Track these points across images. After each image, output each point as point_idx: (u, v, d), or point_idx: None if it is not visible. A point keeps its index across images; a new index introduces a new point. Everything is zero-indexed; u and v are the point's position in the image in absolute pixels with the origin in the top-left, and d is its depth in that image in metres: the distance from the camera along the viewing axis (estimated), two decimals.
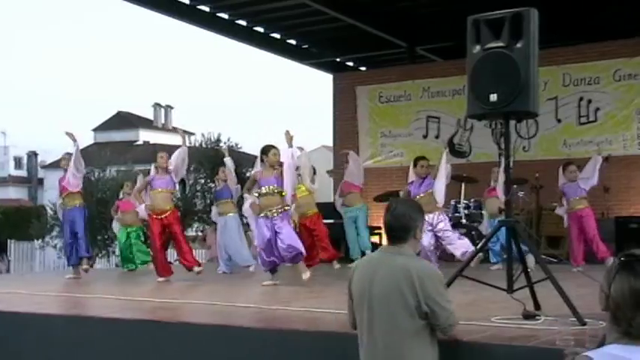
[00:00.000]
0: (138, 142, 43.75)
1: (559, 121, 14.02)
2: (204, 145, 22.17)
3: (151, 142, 41.31)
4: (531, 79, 5.44)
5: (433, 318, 3.80)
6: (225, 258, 11.29)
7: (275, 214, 8.76)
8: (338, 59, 18.67)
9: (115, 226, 12.78)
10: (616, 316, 2.45)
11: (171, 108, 50.64)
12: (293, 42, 17.68)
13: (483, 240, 8.10)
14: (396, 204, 4.01)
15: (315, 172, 10.85)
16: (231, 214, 11.25)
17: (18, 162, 49.87)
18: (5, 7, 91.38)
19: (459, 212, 12.63)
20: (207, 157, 20.60)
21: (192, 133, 25.47)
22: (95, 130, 47.85)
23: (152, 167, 10.10)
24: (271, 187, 8.81)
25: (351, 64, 19.10)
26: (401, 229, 3.88)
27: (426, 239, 9.20)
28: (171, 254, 13.23)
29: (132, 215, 11.76)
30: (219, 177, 11.54)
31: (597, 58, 13.81)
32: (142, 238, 12.19)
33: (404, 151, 15.27)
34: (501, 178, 8.86)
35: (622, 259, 2.48)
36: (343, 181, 12.29)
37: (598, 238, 10.33)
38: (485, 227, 11.53)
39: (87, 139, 46.00)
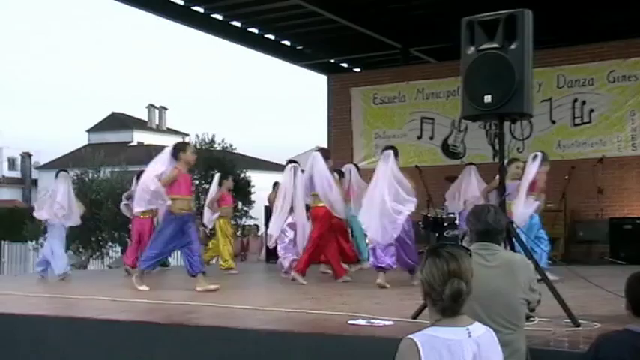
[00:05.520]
0: (132, 143, 43.66)
1: (553, 122, 14.04)
2: (198, 147, 22.08)
3: (145, 143, 41.24)
4: (525, 80, 5.44)
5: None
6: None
7: None
8: (332, 60, 18.68)
9: None
10: (431, 296, 2.81)
11: (166, 109, 50.60)
12: (287, 43, 17.68)
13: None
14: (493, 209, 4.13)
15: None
16: None
17: (12, 163, 49.69)
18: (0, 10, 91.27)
19: (453, 213, 12.61)
20: (201, 159, 20.51)
21: (187, 134, 25.41)
22: (89, 131, 47.75)
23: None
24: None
25: (345, 65, 19.10)
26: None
27: None
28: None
29: None
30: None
31: (591, 59, 13.83)
32: None
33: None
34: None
35: (428, 248, 2.92)
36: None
37: None
38: None
39: (81, 140, 46.06)
